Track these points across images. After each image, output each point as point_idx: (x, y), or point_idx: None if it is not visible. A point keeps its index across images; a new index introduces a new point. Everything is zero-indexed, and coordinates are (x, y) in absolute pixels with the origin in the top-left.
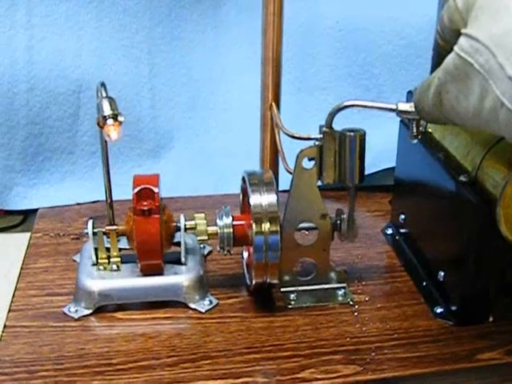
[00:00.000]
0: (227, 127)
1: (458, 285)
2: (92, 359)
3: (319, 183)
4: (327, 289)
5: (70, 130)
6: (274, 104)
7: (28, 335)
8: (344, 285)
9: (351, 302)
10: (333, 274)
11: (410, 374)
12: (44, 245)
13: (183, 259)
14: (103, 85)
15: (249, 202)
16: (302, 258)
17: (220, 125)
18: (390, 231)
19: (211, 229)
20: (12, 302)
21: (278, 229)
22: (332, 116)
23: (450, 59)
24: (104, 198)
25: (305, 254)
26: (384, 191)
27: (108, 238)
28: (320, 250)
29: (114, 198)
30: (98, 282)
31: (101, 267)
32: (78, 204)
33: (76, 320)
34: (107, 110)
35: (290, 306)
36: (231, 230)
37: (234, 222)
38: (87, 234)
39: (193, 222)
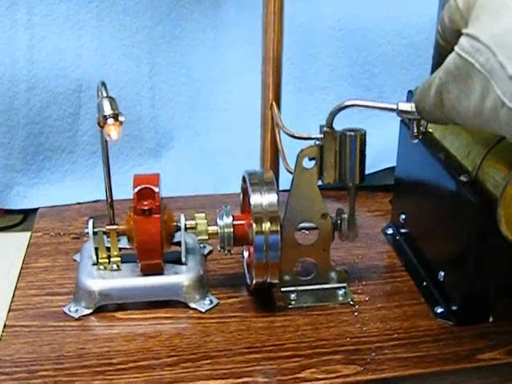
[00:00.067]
0: (227, 127)
1: (458, 285)
2: (92, 359)
3: (320, 183)
4: (327, 289)
5: (71, 129)
6: (274, 104)
7: (28, 335)
8: (344, 285)
9: (351, 302)
10: (333, 274)
11: (410, 374)
12: (44, 244)
13: (183, 259)
14: (104, 84)
15: (249, 202)
16: (303, 257)
17: (220, 124)
18: (390, 231)
19: (211, 228)
20: (12, 301)
21: (279, 228)
22: (332, 116)
23: (450, 59)
24: (104, 198)
25: (305, 254)
26: (384, 191)
27: (108, 237)
28: (320, 250)
29: (115, 198)
30: (98, 281)
31: (101, 267)
32: (79, 203)
33: (76, 320)
34: (108, 110)
35: (290, 306)
36: (231, 229)
37: (235, 222)
38: (87, 233)
39: (193, 222)
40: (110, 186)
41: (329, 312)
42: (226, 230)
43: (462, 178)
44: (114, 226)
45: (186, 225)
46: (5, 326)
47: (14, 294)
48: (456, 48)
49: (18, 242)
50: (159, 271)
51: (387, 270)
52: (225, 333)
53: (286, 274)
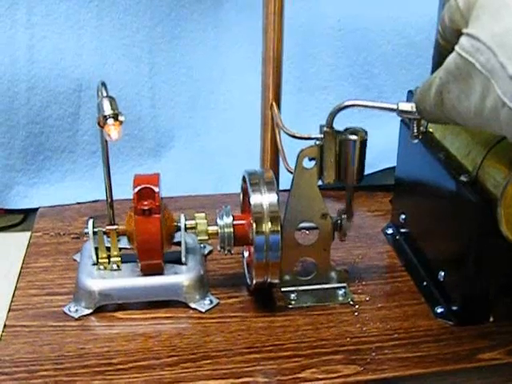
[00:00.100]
0: (228, 127)
1: (458, 285)
2: (92, 359)
3: (320, 183)
4: (328, 288)
5: (71, 129)
6: (274, 103)
7: (28, 335)
8: (344, 285)
9: (352, 302)
10: (333, 274)
11: (410, 374)
12: (44, 244)
13: (183, 259)
14: (104, 84)
15: (249, 202)
16: (303, 257)
17: (220, 124)
18: (390, 231)
19: (212, 228)
20: (12, 301)
21: (279, 228)
22: (333, 116)
23: (451, 59)
24: (104, 198)
25: (305, 254)
26: (384, 191)
27: (108, 237)
28: (320, 250)
29: (115, 198)
30: (98, 281)
31: (101, 267)
32: (79, 203)
33: (76, 320)
34: (108, 110)
35: (290, 306)
36: (232, 229)
37: (235, 222)
38: (87, 233)
39: (193, 222)
40: (110, 185)
41: (329, 312)
42: (226, 229)
43: (463, 178)
44: (114, 226)
45: (186, 225)
46: (5, 325)
47: (14, 293)
48: (456, 48)
49: (18, 241)
50: (159, 271)
51: (387, 270)
52: (225, 333)
53: (286, 273)
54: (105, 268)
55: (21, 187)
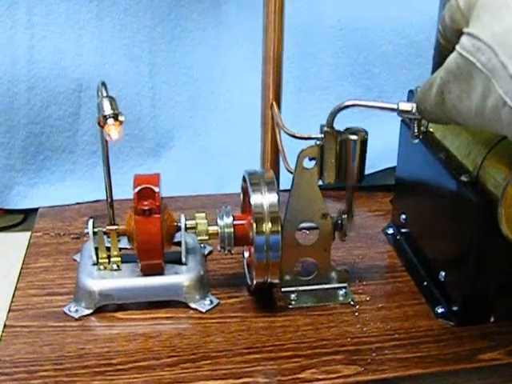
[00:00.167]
0: (228, 126)
1: (459, 285)
2: (92, 359)
3: (320, 183)
4: (328, 289)
5: (71, 129)
6: (274, 103)
7: (28, 335)
8: (345, 285)
9: (352, 302)
10: (334, 274)
11: (410, 375)
12: (44, 244)
13: (184, 259)
14: (104, 84)
15: (249, 202)
16: (303, 257)
17: (220, 124)
18: (390, 231)
19: (212, 228)
20: (12, 301)
21: (279, 228)
22: (333, 116)
23: (452, 59)
24: (104, 198)
25: (306, 254)
26: (385, 191)
27: (108, 237)
28: (321, 250)
29: (115, 198)
30: (98, 281)
31: (101, 267)
32: (79, 203)
33: (76, 320)
34: (108, 110)
35: (290, 306)
36: (232, 229)
37: (235, 222)
38: (87, 233)
39: (193, 222)
40: (110, 185)
41: (329, 312)
42: (226, 230)
43: (463, 178)
44: (114, 226)
45: (186, 225)
46: (5, 326)
47: (14, 294)
48: (457, 47)
49: (18, 241)
50: (159, 271)
51: (388, 270)
52: (225, 333)
53: (286, 274)
54: (105, 268)
55: (21, 187)
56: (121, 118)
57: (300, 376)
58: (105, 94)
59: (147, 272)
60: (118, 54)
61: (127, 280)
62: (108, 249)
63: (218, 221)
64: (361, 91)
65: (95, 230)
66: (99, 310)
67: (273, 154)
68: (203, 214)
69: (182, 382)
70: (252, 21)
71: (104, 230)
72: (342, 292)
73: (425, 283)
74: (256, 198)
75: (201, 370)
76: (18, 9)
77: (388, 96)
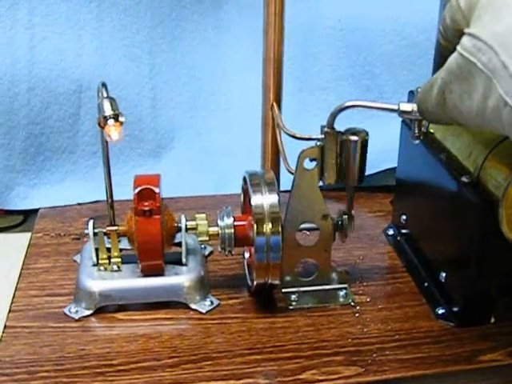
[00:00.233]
0: (228, 127)
1: (459, 285)
2: (92, 360)
3: (320, 183)
4: (328, 289)
5: (71, 129)
6: (275, 104)
7: (28, 336)
8: (345, 285)
9: (352, 303)
10: (334, 275)
11: (411, 376)
12: (44, 245)
13: (184, 260)
14: (104, 85)
15: (250, 203)
16: (304, 258)
17: (221, 125)
18: (391, 232)
19: (212, 229)
20: (12, 302)
21: (280, 229)
22: (333, 116)
23: (452, 59)
24: (105, 198)
25: (306, 255)
26: (385, 192)
27: (109, 238)
28: (321, 251)
29: (115, 198)
30: (98, 282)
31: (101, 268)
32: (79, 204)
33: (76, 321)
34: (108, 111)
35: (291, 307)
36: (232, 230)
37: (235, 223)
38: (88, 234)
39: (194, 223)
40: (111, 186)
41: (330, 313)
42: (226, 230)
43: (464, 179)
44: (115, 227)
45: (186, 225)
46: (5, 326)
47: (14, 294)
48: (458, 48)
49: (18, 242)
50: (160, 272)
51: (388, 271)
52: (225, 334)
53: (286, 274)
54: (105, 269)
55: (21, 188)
56: (121, 119)
57: (300, 377)
58: (105, 95)
59: (147, 273)
60: (118, 55)
61: (127, 281)
62: (108, 249)
63: (219, 221)
64: (361, 92)
65: (95, 230)
66: (99, 311)
67: (273, 155)
68: (203, 215)
69: (183, 382)
70: (252, 21)
71: (104, 230)
72: (342, 293)
73: (425, 284)
74: (256, 199)
75: (201, 370)
76: (18, 9)
77: (388, 97)
